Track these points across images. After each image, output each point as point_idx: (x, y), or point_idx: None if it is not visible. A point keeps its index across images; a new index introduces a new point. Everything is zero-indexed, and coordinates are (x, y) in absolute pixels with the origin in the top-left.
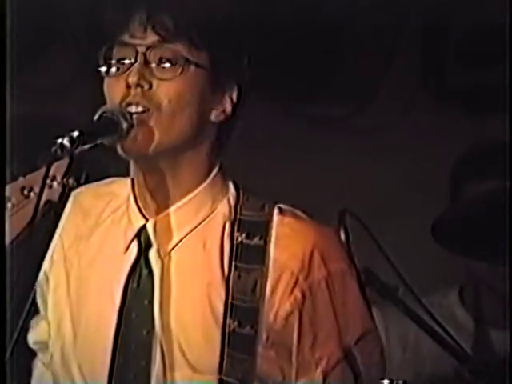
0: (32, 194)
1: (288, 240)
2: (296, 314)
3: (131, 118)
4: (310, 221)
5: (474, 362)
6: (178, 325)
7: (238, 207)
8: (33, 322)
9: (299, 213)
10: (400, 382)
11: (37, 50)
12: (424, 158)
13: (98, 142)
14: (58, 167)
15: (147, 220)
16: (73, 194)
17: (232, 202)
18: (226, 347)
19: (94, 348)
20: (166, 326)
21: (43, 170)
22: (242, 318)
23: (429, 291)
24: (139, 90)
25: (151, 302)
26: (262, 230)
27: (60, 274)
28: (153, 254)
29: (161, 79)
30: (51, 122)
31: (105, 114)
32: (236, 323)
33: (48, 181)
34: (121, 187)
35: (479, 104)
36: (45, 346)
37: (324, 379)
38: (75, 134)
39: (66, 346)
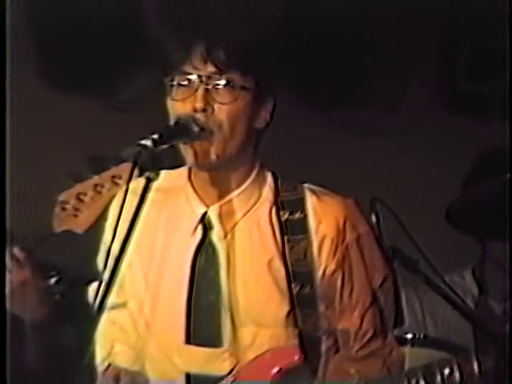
0: (104, 190)
1: (322, 212)
2: (339, 271)
3: (201, 124)
4: (335, 195)
5: (477, 317)
6: (242, 290)
7: (278, 191)
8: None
9: (322, 189)
10: (421, 335)
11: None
12: (438, 157)
13: (174, 142)
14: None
15: (207, 207)
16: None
17: (272, 188)
18: (296, 307)
19: (172, 313)
20: (231, 292)
21: (113, 169)
22: (302, 280)
23: (442, 263)
24: (203, 113)
25: (217, 273)
26: (300, 206)
27: (133, 254)
28: (215, 235)
29: (221, 103)
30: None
31: (180, 121)
32: (298, 287)
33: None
34: (175, 179)
35: (485, 112)
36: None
37: (363, 316)
38: (155, 136)
39: (147, 322)
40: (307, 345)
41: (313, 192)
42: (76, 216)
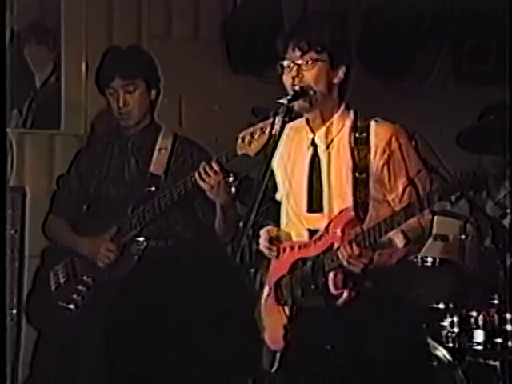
0: (266, 131)
1: (378, 132)
2: (386, 166)
3: (306, 89)
4: (389, 122)
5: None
6: (333, 178)
7: (356, 122)
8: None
9: (381, 120)
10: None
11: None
12: (451, 108)
13: (298, 99)
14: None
15: (314, 134)
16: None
17: (351, 120)
18: (357, 188)
19: (299, 194)
20: (328, 179)
21: (268, 121)
22: (363, 171)
23: (452, 166)
24: (298, 78)
25: (320, 170)
26: (365, 129)
27: (279, 159)
28: (320, 149)
29: (305, 71)
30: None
31: (303, 88)
32: (360, 174)
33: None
34: (300, 122)
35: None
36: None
37: (403, 191)
38: (289, 96)
39: (287, 195)
40: (360, 207)
41: (375, 121)
42: (250, 145)
